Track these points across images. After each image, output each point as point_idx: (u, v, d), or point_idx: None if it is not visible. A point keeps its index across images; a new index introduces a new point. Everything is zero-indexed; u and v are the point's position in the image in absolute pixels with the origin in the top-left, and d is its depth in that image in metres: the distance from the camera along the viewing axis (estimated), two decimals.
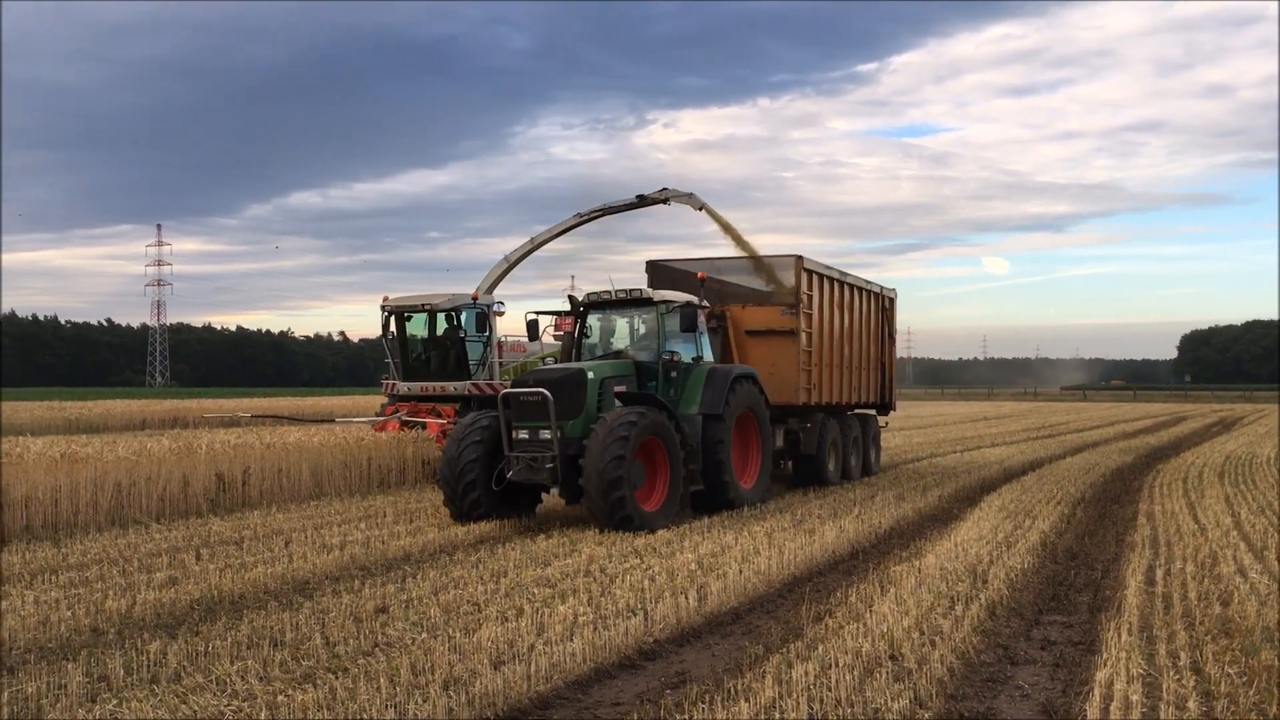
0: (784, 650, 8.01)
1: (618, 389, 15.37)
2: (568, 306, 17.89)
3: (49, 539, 13.75)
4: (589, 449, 13.87)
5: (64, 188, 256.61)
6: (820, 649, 7.90)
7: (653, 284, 19.44)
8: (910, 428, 44.66)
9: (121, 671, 7.27)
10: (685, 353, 16.56)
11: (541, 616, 8.94)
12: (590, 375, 14.94)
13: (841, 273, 21.39)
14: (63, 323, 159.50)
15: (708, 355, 17.01)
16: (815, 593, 10.44)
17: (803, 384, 19.25)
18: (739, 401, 16.39)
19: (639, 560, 11.91)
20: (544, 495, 16.02)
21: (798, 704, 6.63)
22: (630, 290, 16.28)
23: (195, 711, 6.43)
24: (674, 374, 15.97)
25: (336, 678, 7.10)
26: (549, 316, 21.26)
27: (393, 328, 23.02)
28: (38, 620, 8.82)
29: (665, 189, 21.80)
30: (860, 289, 22.51)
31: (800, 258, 19.24)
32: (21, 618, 8.90)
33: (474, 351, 22.80)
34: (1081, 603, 10.22)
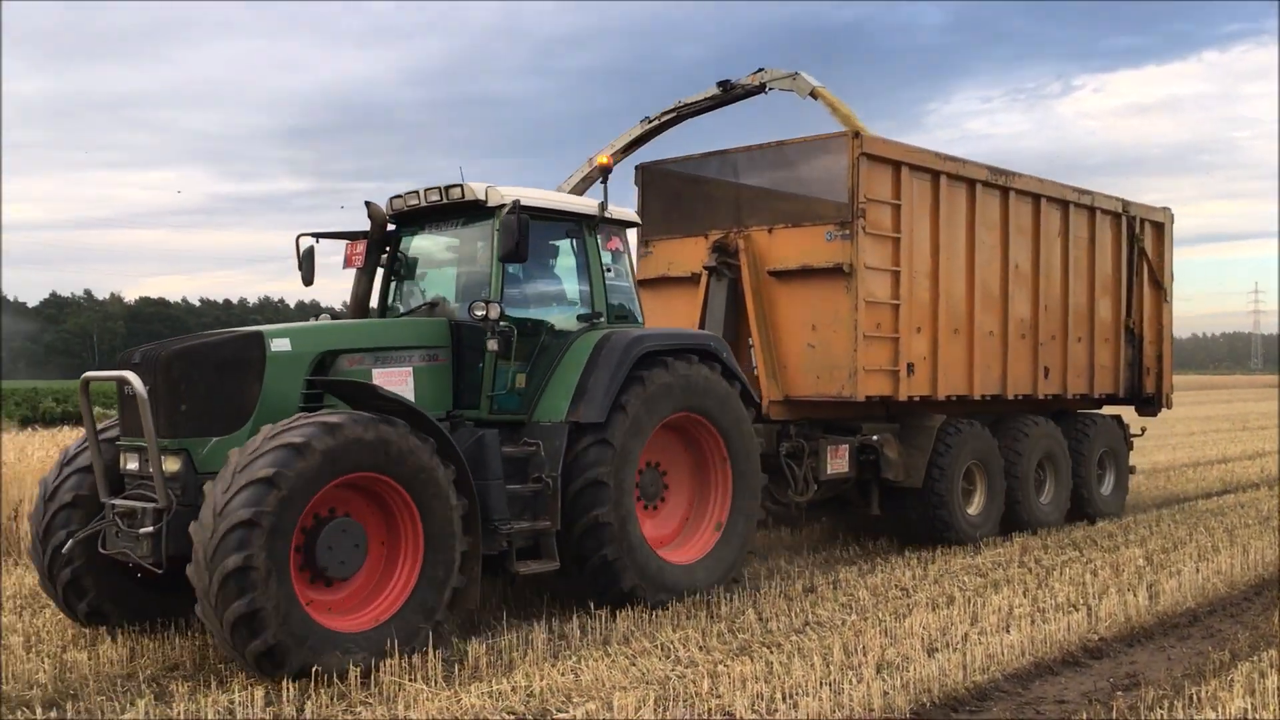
0: (1254, 658, 7.24)
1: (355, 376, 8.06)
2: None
3: None
4: (204, 504, 6.68)
5: None
6: None
7: (646, 199, 12.65)
8: None
9: (578, 632, 7.92)
10: (560, 309, 9.26)
11: (974, 606, 8.69)
12: (280, 345, 7.67)
13: (997, 171, 12.45)
14: None
15: (629, 307, 9.58)
16: None
17: (865, 363, 10.87)
18: (658, 401, 8.82)
19: (1078, 553, 11.26)
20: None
21: (1275, 717, 5.96)
22: (447, 188, 8.78)
23: (644, 674, 6.87)
24: (493, 343, 8.33)
25: (771, 652, 7.31)
26: (339, 241, 10.12)
27: None
28: (505, 582, 9.81)
29: (761, 70, 15.49)
30: (1057, 201, 13.32)
31: (858, 134, 11.15)
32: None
33: None
34: None
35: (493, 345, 8.33)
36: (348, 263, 9.48)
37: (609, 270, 9.37)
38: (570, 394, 8.59)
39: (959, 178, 12.03)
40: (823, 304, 11.08)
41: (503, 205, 8.45)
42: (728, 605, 8.80)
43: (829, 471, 11.11)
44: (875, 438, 11.32)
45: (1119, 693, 6.76)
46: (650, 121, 16.12)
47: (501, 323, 8.36)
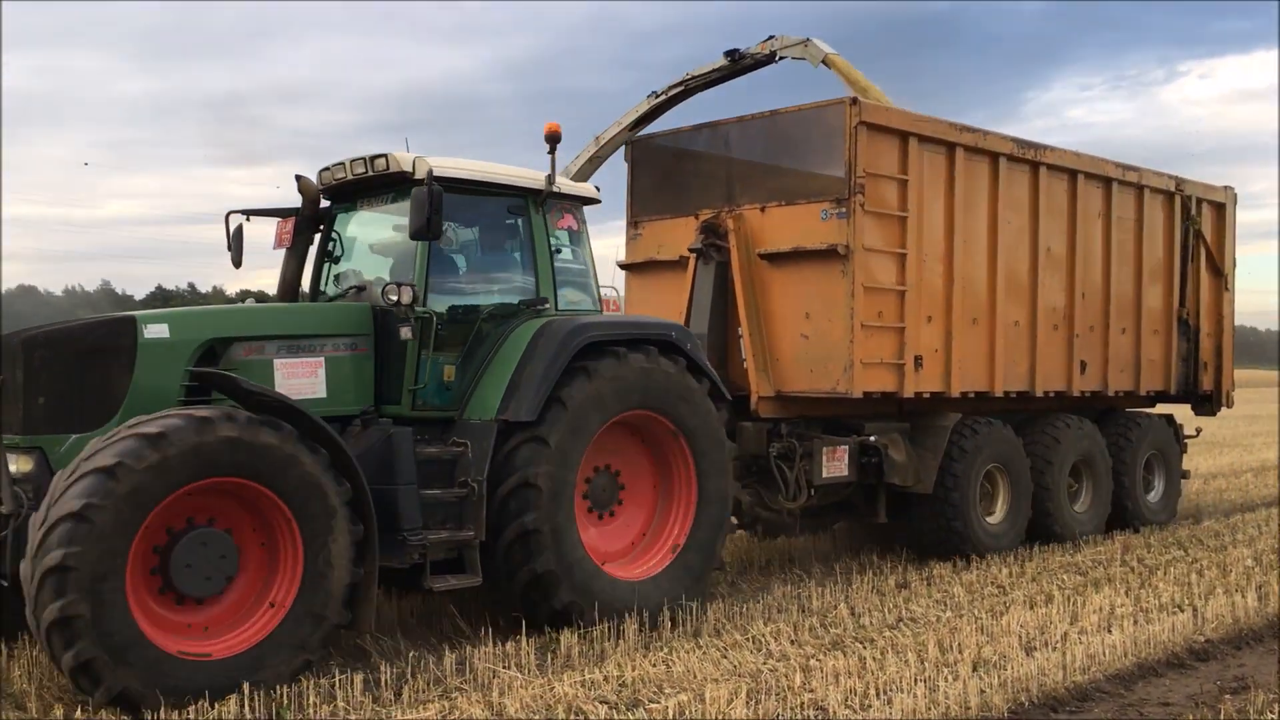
0: None
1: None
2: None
3: None
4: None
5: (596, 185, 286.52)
6: None
7: (635, 177, 11.78)
8: None
9: (669, 624, 7.93)
10: (501, 295, 8.28)
11: (1073, 605, 8.52)
12: (156, 332, 6.79)
13: (1024, 144, 11.30)
14: None
15: (585, 293, 8.73)
16: None
17: (863, 355, 9.80)
18: (605, 397, 7.87)
19: (1182, 552, 10.96)
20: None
21: None
22: (373, 158, 7.98)
23: (736, 666, 6.86)
24: (406, 331, 7.51)
25: (864, 647, 7.25)
26: (269, 218, 9.16)
27: None
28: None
29: (772, 37, 14.08)
30: (1097, 178, 12.13)
31: (856, 100, 10.00)
32: None
33: None
34: None
35: (406, 333, 7.49)
36: (278, 242, 8.72)
37: (559, 251, 8.43)
38: (503, 389, 7.65)
39: (979, 150, 10.82)
40: (817, 290, 9.95)
41: (437, 177, 7.51)
42: (819, 599, 8.75)
43: (824, 475, 9.93)
44: (874, 438, 10.20)
45: (1227, 696, 6.57)
46: (657, 96, 14.61)
47: (419, 308, 7.49)
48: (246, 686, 6.12)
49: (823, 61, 13.34)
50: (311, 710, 6.04)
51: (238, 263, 8.74)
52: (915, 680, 6.50)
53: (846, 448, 10.08)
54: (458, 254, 8.27)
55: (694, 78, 14.52)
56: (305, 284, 8.79)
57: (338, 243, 8.58)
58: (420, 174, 7.56)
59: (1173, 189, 13.15)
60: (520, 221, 8.26)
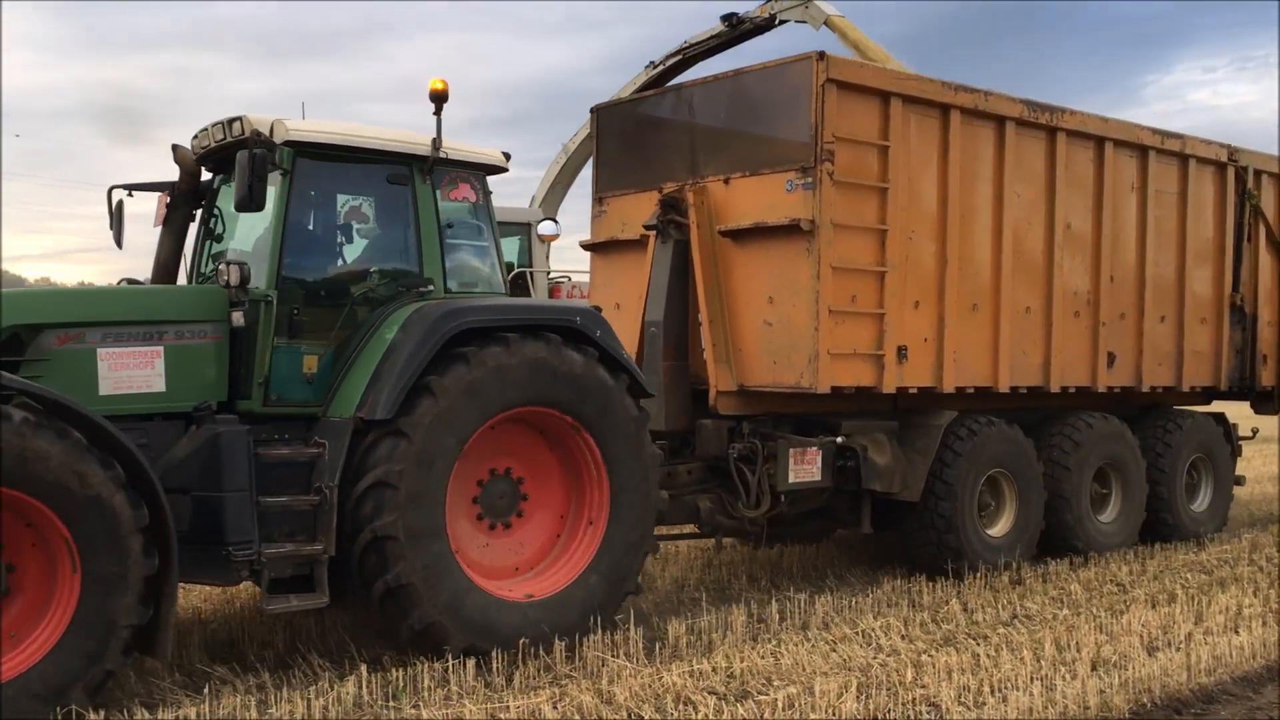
0: None
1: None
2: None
3: None
4: None
5: None
6: None
7: (601, 148, 10.59)
8: None
9: (776, 616, 7.90)
10: (379, 275, 7.31)
11: (1198, 604, 8.25)
12: None
13: (1037, 106, 9.89)
14: None
15: (486, 273, 7.73)
16: None
17: (832, 345, 8.61)
18: (484, 390, 6.82)
19: None
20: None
21: None
22: (229, 122, 7.05)
23: (845, 660, 6.80)
24: (238, 316, 6.74)
25: (977, 644, 7.11)
26: (151, 193, 8.09)
27: None
28: (702, 564, 9.90)
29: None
30: (1130, 146, 10.67)
31: (824, 55, 8.63)
32: (671, 561, 10.03)
33: None
34: None
35: (238, 319, 6.67)
36: (156, 219, 7.78)
37: (450, 226, 7.41)
38: (366, 382, 6.70)
39: (979, 114, 9.47)
40: (781, 271, 8.77)
41: (293, 143, 6.74)
42: (930, 594, 8.62)
43: (791, 480, 8.75)
44: (842, 439, 9.01)
45: None
46: (655, 66, 13.93)
47: (256, 288, 6.66)
48: (363, 668, 6.29)
49: (825, 24, 12.63)
50: (425, 694, 6.16)
51: (120, 242, 7.84)
52: (1031, 678, 6.36)
53: (818, 449, 8.93)
54: (326, 229, 7.36)
55: (692, 46, 13.90)
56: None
57: (219, 219, 7.58)
58: (279, 138, 6.70)
59: (1224, 159, 11.58)
60: (401, 192, 7.25)
